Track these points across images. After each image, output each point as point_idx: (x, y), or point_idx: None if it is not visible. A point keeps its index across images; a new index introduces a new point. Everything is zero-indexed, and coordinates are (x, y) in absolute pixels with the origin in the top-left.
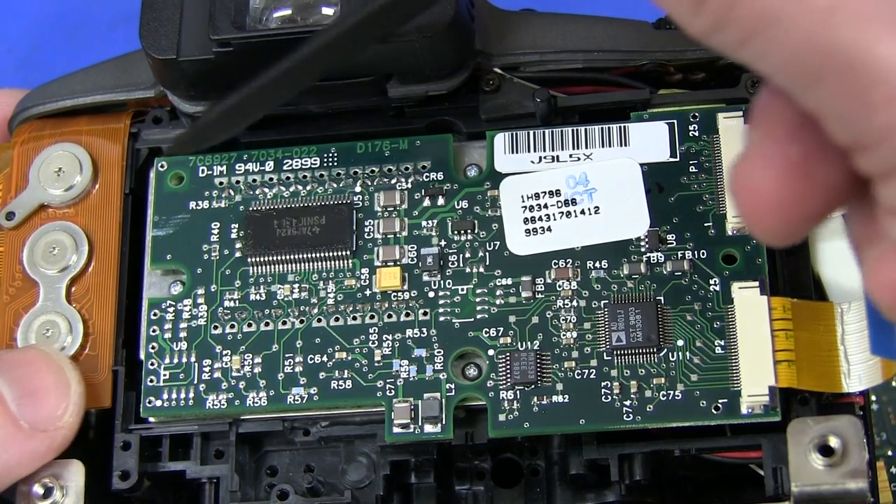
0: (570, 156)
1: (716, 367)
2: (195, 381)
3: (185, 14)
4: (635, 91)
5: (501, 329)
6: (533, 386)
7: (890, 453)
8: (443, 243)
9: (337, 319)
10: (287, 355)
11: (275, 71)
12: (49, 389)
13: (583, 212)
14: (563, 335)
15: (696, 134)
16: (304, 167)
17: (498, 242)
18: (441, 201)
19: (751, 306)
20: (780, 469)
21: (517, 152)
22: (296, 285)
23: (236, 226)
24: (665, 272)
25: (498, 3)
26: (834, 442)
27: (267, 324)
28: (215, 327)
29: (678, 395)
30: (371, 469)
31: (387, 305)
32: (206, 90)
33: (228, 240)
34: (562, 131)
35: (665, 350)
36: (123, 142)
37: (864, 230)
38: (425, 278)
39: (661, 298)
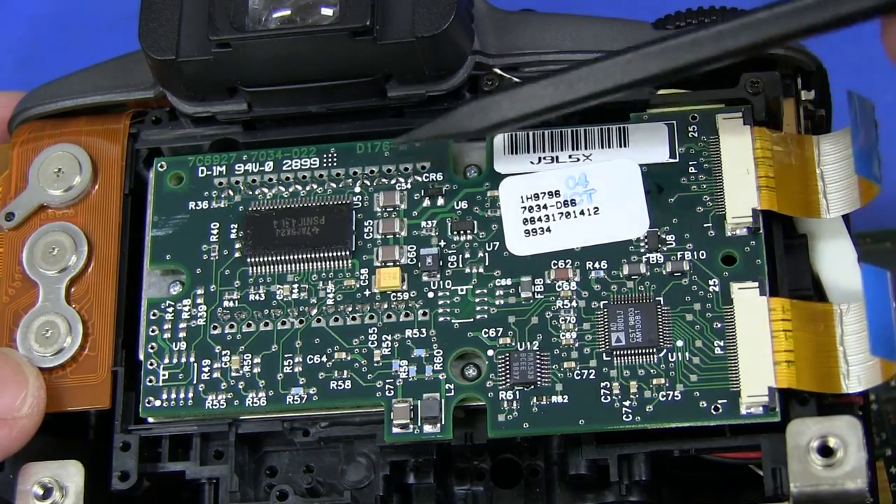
0: (570, 156)
1: (715, 368)
2: (194, 381)
3: (185, 15)
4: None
5: (501, 329)
6: (532, 386)
7: (889, 453)
8: (442, 244)
9: (336, 320)
10: (286, 355)
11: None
12: (6, 381)
13: (582, 212)
14: (563, 335)
15: (696, 135)
16: (303, 167)
17: (497, 243)
18: (441, 202)
19: (750, 307)
20: (779, 469)
21: (517, 153)
22: (295, 285)
23: (236, 226)
24: (664, 273)
25: (498, 3)
26: (833, 442)
27: (266, 324)
28: (214, 327)
29: (678, 396)
30: (370, 469)
31: (386, 306)
32: (206, 91)
33: (228, 240)
34: (561, 132)
35: (664, 350)
36: (123, 142)
37: None
38: (425, 278)
39: (661, 299)
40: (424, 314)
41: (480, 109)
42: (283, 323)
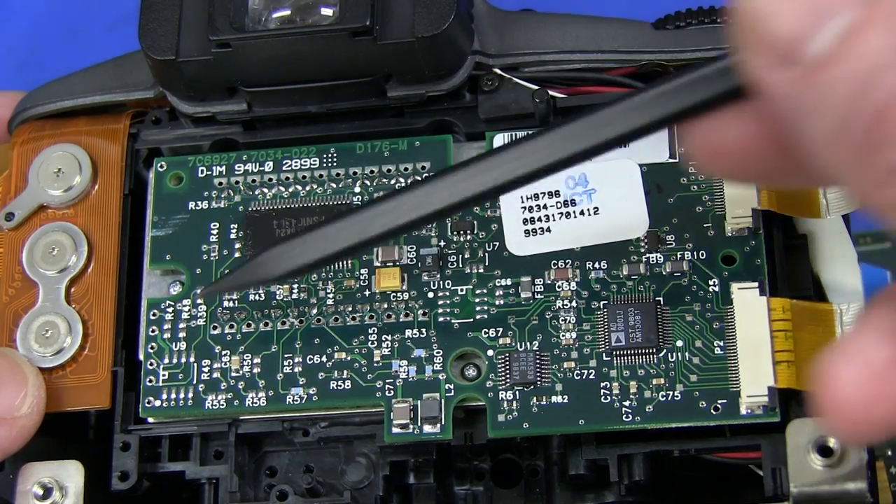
0: None
1: (715, 368)
2: (194, 382)
3: (184, 15)
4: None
5: (501, 329)
6: (532, 386)
7: (889, 453)
8: (442, 244)
9: (336, 320)
10: (286, 355)
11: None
12: (6, 381)
13: (582, 212)
14: (563, 335)
15: None
16: (303, 167)
17: (497, 243)
18: None
19: (750, 307)
20: (779, 469)
21: None
22: (295, 285)
23: (236, 226)
24: (664, 273)
25: (498, 4)
26: (833, 442)
27: (266, 324)
28: (214, 327)
29: (677, 396)
30: (370, 469)
31: (386, 306)
32: (206, 91)
33: (228, 240)
34: None
35: (664, 350)
36: (123, 142)
37: None
38: (424, 278)
39: (661, 299)
40: (424, 314)
41: (276, 257)
42: (283, 323)
